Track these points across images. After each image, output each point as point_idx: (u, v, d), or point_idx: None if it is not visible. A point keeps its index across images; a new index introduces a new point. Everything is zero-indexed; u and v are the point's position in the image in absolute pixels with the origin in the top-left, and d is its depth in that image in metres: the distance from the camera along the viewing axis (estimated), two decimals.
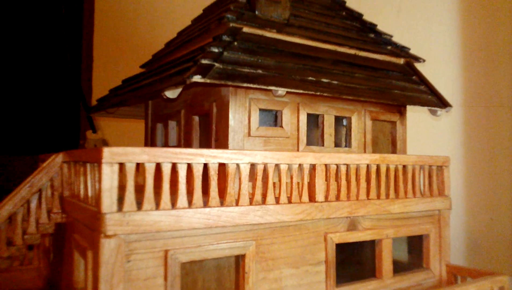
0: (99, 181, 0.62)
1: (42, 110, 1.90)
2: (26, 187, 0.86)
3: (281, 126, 0.92)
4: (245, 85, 0.75)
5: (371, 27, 1.15)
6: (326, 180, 0.83)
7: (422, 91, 1.05)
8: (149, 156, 0.65)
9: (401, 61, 1.13)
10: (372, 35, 1.13)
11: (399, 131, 1.11)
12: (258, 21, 0.91)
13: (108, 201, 0.61)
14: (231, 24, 0.87)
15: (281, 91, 0.79)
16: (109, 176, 0.62)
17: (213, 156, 0.70)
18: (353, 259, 0.92)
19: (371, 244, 0.91)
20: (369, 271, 0.91)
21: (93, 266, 0.64)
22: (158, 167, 0.66)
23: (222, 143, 0.86)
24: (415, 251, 0.99)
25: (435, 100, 1.04)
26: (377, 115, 1.07)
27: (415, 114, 1.45)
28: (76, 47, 1.79)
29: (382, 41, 1.13)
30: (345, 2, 1.19)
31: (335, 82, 0.89)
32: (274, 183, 0.77)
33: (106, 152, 0.61)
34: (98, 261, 0.60)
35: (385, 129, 1.11)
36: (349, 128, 1.04)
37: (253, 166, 0.75)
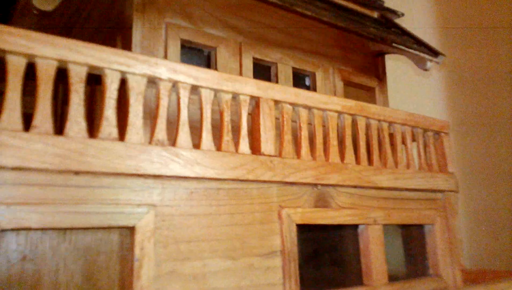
0: None
1: None
2: None
3: (215, 69, 0.64)
4: None
5: None
6: (279, 126, 0.54)
7: (405, 40, 0.80)
8: None
9: (375, 14, 0.88)
10: None
11: (379, 100, 0.85)
12: None
13: None
14: None
15: None
16: None
17: (77, 52, 0.40)
18: (330, 255, 0.60)
19: (355, 234, 0.60)
20: (354, 274, 0.59)
21: None
22: None
23: None
24: (414, 253, 0.69)
25: (424, 49, 0.78)
26: (350, 76, 0.81)
27: (394, 79, 1.17)
28: None
29: None
30: None
31: None
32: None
33: None
34: None
35: (361, 97, 0.84)
36: (313, 89, 0.76)
37: (154, 85, 0.46)
